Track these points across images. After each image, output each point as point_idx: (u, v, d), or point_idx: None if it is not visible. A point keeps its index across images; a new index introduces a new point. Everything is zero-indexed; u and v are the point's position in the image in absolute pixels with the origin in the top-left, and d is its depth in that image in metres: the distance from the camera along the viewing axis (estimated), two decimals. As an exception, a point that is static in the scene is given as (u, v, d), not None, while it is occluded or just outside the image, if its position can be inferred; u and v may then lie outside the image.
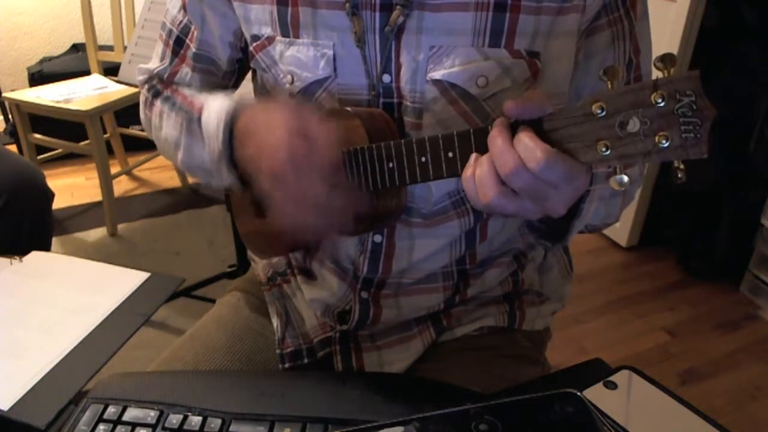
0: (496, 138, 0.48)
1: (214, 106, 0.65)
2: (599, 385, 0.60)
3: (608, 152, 0.44)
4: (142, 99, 0.81)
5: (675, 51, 1.96)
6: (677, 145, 0.41)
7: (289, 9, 0.65)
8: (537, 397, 0.49)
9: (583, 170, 0.48)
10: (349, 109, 0.62)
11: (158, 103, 0.77)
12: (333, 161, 0.56)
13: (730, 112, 1.98)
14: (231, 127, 0.63)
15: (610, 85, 0.44)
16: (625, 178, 0.44)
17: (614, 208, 0.70)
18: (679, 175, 0.43)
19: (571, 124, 0.46)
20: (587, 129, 0.45)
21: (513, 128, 0.48)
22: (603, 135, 0.44)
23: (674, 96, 0.41)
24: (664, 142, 0.41)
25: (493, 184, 0.48)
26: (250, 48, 0.71)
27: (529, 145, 0.46)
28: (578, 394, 0.49)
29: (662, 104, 0.41)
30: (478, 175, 0.49)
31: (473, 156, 0.50)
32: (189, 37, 0.76)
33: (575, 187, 0.49)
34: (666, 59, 0.41)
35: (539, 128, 0.47)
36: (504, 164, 0.47)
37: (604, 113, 0.44)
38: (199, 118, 0.67)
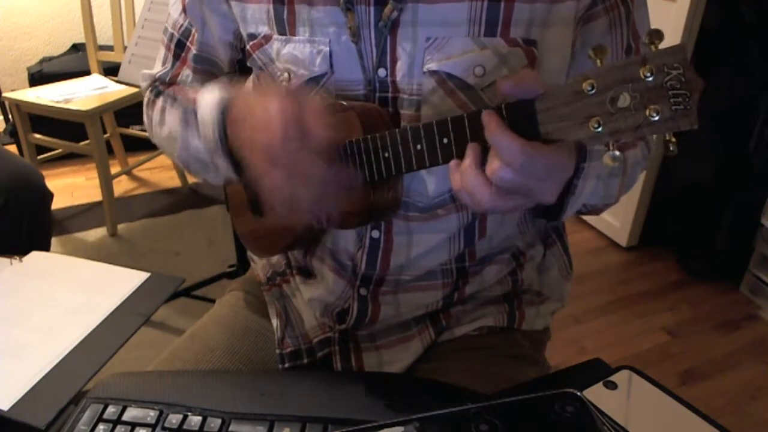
0: (480, 143, 0.50)
1: (209, 94, 0.66)
2: (599, 385, 0.59)
3: (600, 128, 0.44)
4: (144, 101, 0.82)
5: (675, 51, 1.96)
6: (667, 117, 0.42)
7: (285, 7, 0.65)
8: (537, 397, 0.49)
9: (564, 155, 0.49)
10: (343, 102, 0.62)
11: (159, 100, 0.78)
12: (326, 141, 0.56)
13: (730, 112, 1.98)
14: (225, 111, 0.63)
15: (599, 63, 0.44)
16: (617, 153, 0.45)
17: (613, 188, 0.69)
18: (671, 148, 0.44)
19: (562, 103, 0.46)
20: (579, 107, 0.45)
21: (503, 111, 0.49)
22: (594, 112, 0.44)
23: (662, 69, 0.41)
24: (654, 115, 0.42)
25: (485, 192, 0.50)
26: (247, 47, 0.71)
27: (505, 144, 0.47)
28: (578, 394, 0.49)
29: (651, 78, 0.42)
30: (468, 187, 0.51)
31: (453, 163, 0.52)
32: (190, 39, 0.76)
33: (561, 173, 0.50)
34: (653, 34, 0.42)
35: (531, 109, 0.48)
36: (490, 168, 0.49)
37: (594, 90, 0.44)
38: (195, 108, 0.68)
